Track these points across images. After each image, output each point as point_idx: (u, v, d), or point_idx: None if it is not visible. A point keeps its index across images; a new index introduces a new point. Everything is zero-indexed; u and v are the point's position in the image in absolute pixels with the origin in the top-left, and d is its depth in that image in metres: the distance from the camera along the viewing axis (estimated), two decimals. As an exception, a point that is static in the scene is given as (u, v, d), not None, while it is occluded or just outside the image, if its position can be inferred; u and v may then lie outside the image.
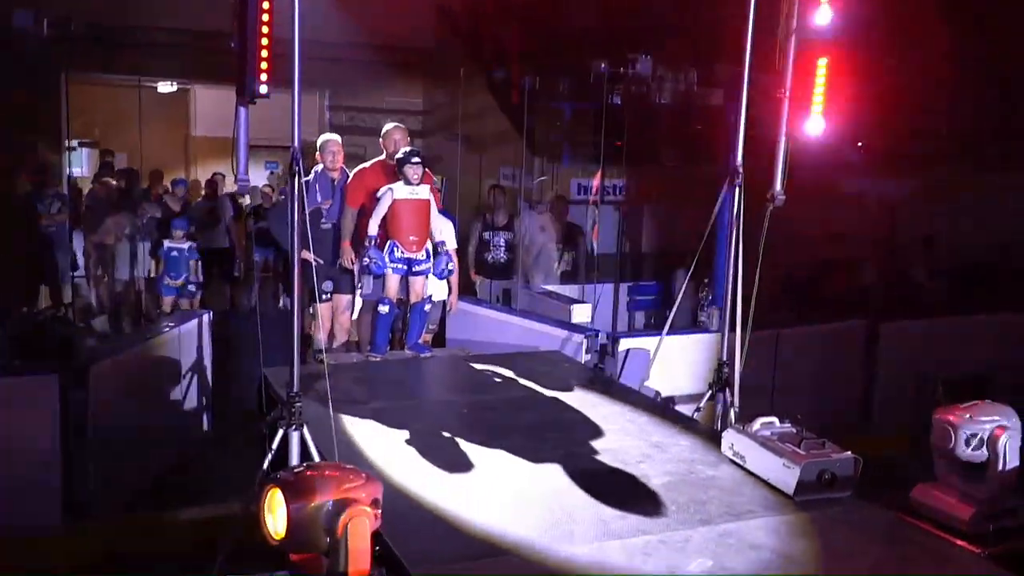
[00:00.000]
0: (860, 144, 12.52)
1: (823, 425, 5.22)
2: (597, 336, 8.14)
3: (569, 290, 11.05)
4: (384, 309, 7.60)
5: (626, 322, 11.59)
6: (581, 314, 9.50)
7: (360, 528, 3.52)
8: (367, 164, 7.71)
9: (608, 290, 11.27)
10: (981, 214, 12.72)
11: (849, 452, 4.82)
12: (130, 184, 12.75)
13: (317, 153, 7.59)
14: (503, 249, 11.07)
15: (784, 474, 4.78)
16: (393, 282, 7.57)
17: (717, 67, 14.24)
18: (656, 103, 13.63)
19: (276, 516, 3.62)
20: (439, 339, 8.80)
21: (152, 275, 12.20)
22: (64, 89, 12.83)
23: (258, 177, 17.17)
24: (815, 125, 5.95)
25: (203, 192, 14.49)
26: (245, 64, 4.85)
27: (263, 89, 4.94)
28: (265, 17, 4.79)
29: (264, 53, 4.86)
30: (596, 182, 12.71)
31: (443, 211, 8.07)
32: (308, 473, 3.86)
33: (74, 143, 14.88)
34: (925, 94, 12.90)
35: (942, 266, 12.40)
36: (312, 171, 7.61)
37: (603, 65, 13.29)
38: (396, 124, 7.92)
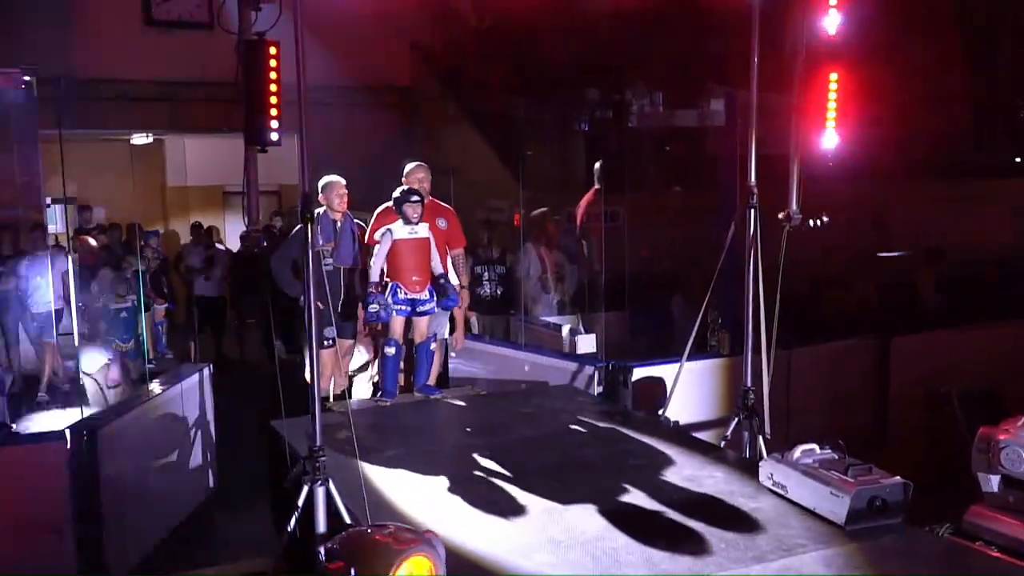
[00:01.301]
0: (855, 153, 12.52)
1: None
2: (608, 367, 7.98)
3: (564, 319, 10.91)
4: (390, 351, 7.44)
5: (622, 349, 11.44)
6: (586, 344, 9.37)
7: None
8: (388, 203, 7.56)
9: (602, 318, 11.12)
10: (980, 224, 12.75)
11: (898, 477, 4.69)
12: (113, 239, 12.54)
13: (320, 195, 7.43)
14: (495, 283, 10.95)
15: (833, 503, 4.64)
16: (398, 324, 7.42)
17: (694, 89, 14.33)
18: (639, 128, 13.57)
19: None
20: (442, 378, 8.62)
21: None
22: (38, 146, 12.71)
23: (239, 224, 16.99)
24: (829, 140, 5.85)
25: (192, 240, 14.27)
26: (253, 112, 4.70)
27: (274, 136, 4.79)
28: (272, 63, 4.65)
29: (273, 100, 4.71)
30: (581, 210, 12.60)
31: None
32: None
33: (47, 199, 14.63)
34: (922, 106, 12.96)
35: (945, 278, 12.34)
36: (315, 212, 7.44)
37: (592, 93, 13.29)
38: (419, 163, 7.80)
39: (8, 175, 12.17)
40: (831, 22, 5.70)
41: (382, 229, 7.32)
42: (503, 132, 13.58)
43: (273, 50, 4.68)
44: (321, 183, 7.49)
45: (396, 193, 7.35)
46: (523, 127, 13.22)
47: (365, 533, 4.07)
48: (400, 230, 7.26)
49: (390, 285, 7.31)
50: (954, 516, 5.38)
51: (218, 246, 13.57)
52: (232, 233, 17.09)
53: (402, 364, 7.78)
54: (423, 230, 7.34)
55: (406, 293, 7.32)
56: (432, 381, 7.84)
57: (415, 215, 7.26)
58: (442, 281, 7.48)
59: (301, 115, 4.96)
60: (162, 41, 13.25)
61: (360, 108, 14.66)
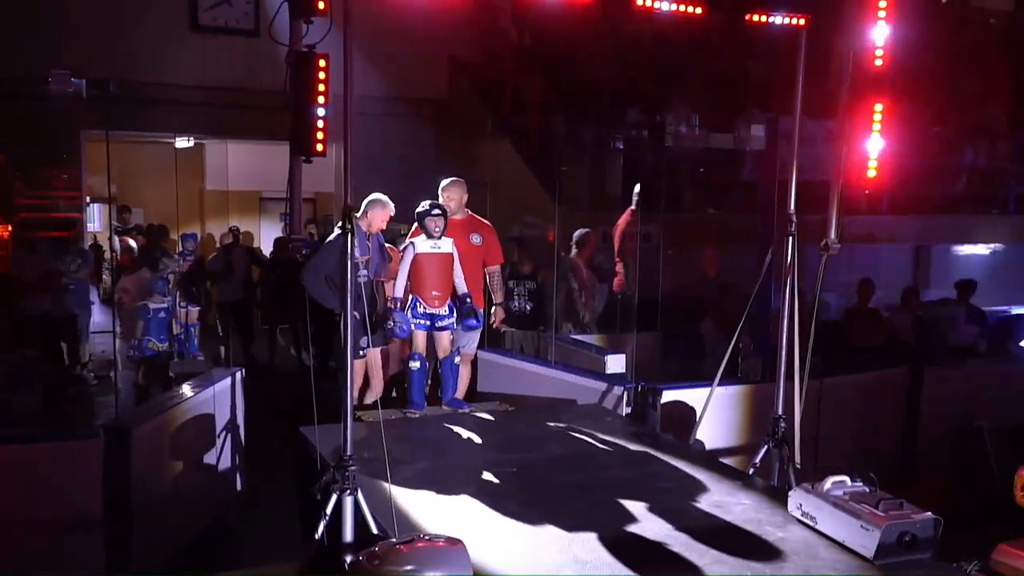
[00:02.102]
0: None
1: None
2: (638, 388, 7.97)
3: (595, 338, 10.91)
4: (415, 365, 7.49)
5: (651, 371, 11.41)
6: (616, 364, 9.34)
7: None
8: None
9: (634, 338, 11.10)
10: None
11: (929, 513, 4.67)
12: (153, 239, 12.67)
13: (363, 209, 7.50)
14: (526, 298, 10.98)
15: (862, 536, 4.62)
16: (420, 338, 7.47)
17: (732, 113, 14.31)
18: (676, 149, 13.55)
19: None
20: (470, 392, 8.64)
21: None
22: (82, 146, 12.91)
23: (275, 230, 17.15)
24: (872, 170, 5.83)
25: (219, 244, 14.39)
26: (300, 123, 4.76)
27: (319, 147, 4.84)
28: (321, 75, 4.70)
29: (320, 112, 4.76)
30: (618, 231, 12.60)
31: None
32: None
33: (86, 199, 14.84)
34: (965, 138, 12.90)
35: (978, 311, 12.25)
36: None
37: (630, 113, 13.29)
38: (455, 179, 7.84)
39: (52, 174, 12.35)
40: (878, 51, 5.69)
41: (406, 243, 7.37)
42: (539, 148, 13.62)
43: (323, 63, 4.73)
44: (368, 199, 7.53)
45: (419, 208, 7.39)
46: (560, 144, 13.25)
47: (394, 547, 4.08)
48: (422, 244, 7.30)
49: (411, 299, 7.37)
50: (983, 553, 5.32)
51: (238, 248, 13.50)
52: (267, 239, 17.26)
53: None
54: (446, 245, 7.36)
55: (425, 307, 7.37)
56: (461, 395, 7.87)
57: (437, 229, 7.29)
58: (468, 301, 7.50)
59: (346, 131, 5.00)
60: (207, 47, 13.38)
61: (396, 119, 14.76)
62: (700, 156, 13.91)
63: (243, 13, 13.47)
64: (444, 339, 7.57)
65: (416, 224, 7.53)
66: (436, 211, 7.30)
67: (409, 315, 7.32)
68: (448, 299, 7.46)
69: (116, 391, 9.74)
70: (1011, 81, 13.91)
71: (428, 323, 7.44)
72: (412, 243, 7.31)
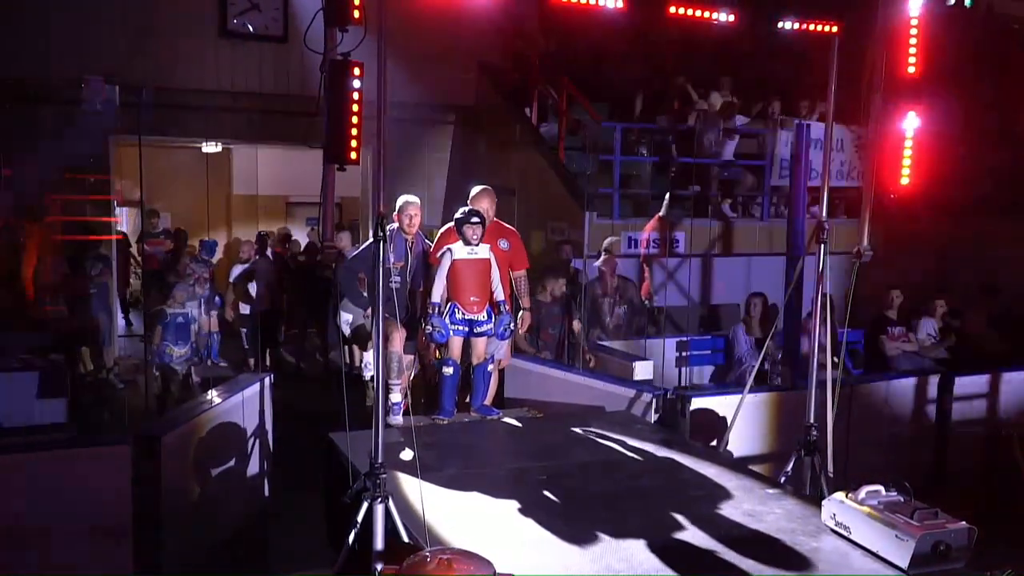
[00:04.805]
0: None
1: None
2: (666, 395, 7.94)
3: (621, 345, 10.90)
4: (448, 371, 7.49)
5: (679, 378, 11.40)
6: (643, 371, 9.33)
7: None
8: (451, 224, 7.61)
9: (663, 345, 11.09)
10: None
11: (964, 522, 4.64)
12: (179, 244, 12.73)
13: (395, 213, 7.52)
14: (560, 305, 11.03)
15: (897, 546, 4.59)
16: (456, 344, 7.47)
17: (761, 118, 14.25)
18: (705, 155, 13.51)
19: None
20: (498, 398, 8.64)
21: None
22: (112, 150, 12.99)
23: (300, 233, 17.21)
24: (905, 179, 5.79)
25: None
26: (335, 131, 4.78)
27: (353, 155, 4.86)
28: (356, 84, 4.72)
29: (355, 120, 4.78)
30: (645, 236, 12.59)
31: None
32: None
33: (115, 203, 14.91)
34: (989, 141, 12.79)
35: (1001, 315, 12.15)
36: (388, 230, 7.52)
37: (657, 119, 13.25)
38: (485, 187, 7.84)
39: (81, 179, 12.43)
40: (911, 61, 5.66)
41: (443, 249, 7.38)
42: (566, 154, 13.63)
43: (357, 71, 4.75)
44: (398, 202, 7.58)
45: (457, 214, 7.40)
46: (588, 149, 13.25)
47: (426, 561, 4.07)
48: (460, 251, 7.31)
49: (449, 305, 7.36)
50: (1016, 561, 5.27)
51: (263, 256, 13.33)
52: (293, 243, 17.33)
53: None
54: (483, 251, 7.38)
55: (463, 313, 7.37)
56: (489, 401, 7.87)
57: (475, 236, 7.30)
58: (502, 308, 7.52)
59: (379, 140, 5.02)
60: (236, 52, 13.45)
61: (424, 125, 14.80)
62: (728, 162, 13.85)
63: (272, 19, 13.52)
64: (480, 345, 7.57)
65: (445, 227, 7.53)
66: (475, 218, 7.31)
67: (448, 320, 7.33)
68: (487, 304, 7.45)
69: (147, 397, 9.79)
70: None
71: (466, 329, 7.42)
72: (450, 249, 7.31)
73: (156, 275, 12.04)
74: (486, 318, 7.46)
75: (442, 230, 7.64)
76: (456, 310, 7.36)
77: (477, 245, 7.33)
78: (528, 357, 9.41)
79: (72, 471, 6.27)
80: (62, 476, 6.20)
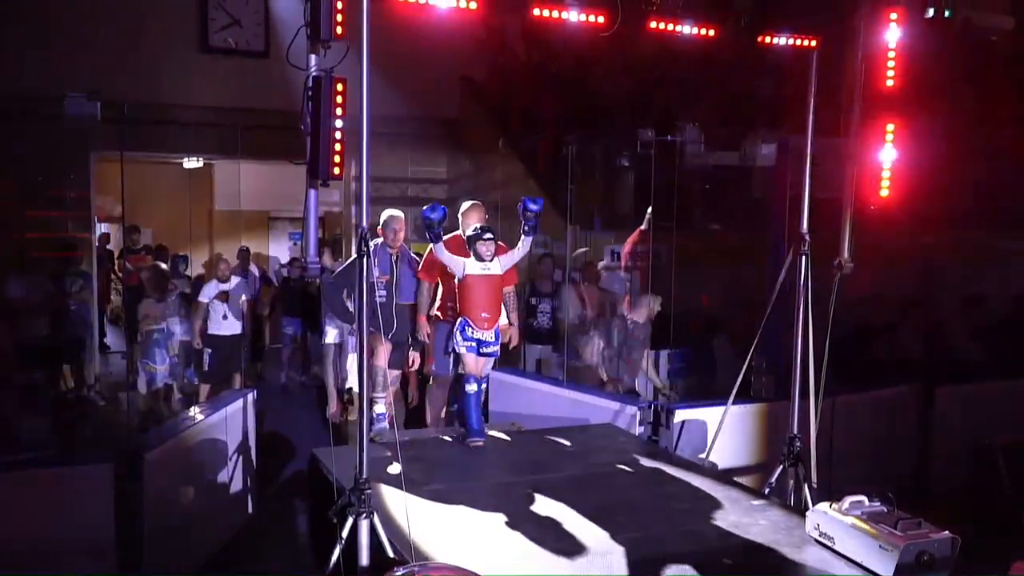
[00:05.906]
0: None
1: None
2: (651, 407, 7.96)
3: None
4: (472, 388, 7.32)
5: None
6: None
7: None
8: (445, 238, 7.60)
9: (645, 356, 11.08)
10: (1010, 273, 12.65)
11: (947, 532, 4.66)
12: (161, 260, 12.68)
13: (379, 227, 7.53)
14: (548, 316, 11.10)
15: (881, 556, 4.62)
16: (471, 360, 7.30)
17: (744, 131, 14.30)
18: (686, 167, 13.53)
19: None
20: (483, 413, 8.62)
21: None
22: (93, 166, 12.94)
23: (280, 249, 17.18)
24: (884, 190, 5.83)
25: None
26: (318, 147, 4.78)
27: (337, 171, 4.86)
28: (339, 99, 4.72)
29: (338, 136, 4.79)
30: (627, 249, 12.60)
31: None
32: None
33: (95, 219, 14.84)
34: (970, 155, 12.88)
35: (982, 326, 12.23)
36: (372, 244, 7.50)
37: (648, 132, 13.26)
38: (475, 202, 7.83)
39: (60, 195, 12.38)
40: (890, 74, 5.71)
41: (460, 260, 7.27)
42: (550, 167, 13.65)
43: (340, 87, 4.76)
44: (382, 217, 7.59)
45: (468, 231, 7.34)
46: (570, 163, 13.27)
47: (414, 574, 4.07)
48: (473, 266, 7.19)
49: (459, 321, 7.28)
50: (998, 571, 5.30)
51: (240, 276, 12.32)
52: (275, 258, 17.32)
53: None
54: (496, 267, 7.25)
55: (473, 331, 7.24)
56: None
57: (488, 252, 7.20)
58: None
59: (364, 156, 5.03)
60: (218, 68, 13.45)
61: (407, 139, 14.80)
62: (710, 174, 13.90)
63: (253, 35, 13.53)
64: (485, 366, 7.48)
65: (448, 236, 7.46)
66: (488, 235, 7.21)
67: (459, 337, 7.28)
68: (496, 323, 7.32)
69: (128, 414, 9.73)
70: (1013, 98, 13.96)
71: (475, 347, 7.28)
72: (464, 263, 7.21)
73: (137, 291, 11.87)
74: (493, 339, 7.33)
75: (430, 247, 7.59)
76: (467, 327, 7.25)
77: (491, 261, 7.28)
78: (514, 371, 9.41)
79: (54, 490, 6.22)
80: (44, 495, 6.15)
